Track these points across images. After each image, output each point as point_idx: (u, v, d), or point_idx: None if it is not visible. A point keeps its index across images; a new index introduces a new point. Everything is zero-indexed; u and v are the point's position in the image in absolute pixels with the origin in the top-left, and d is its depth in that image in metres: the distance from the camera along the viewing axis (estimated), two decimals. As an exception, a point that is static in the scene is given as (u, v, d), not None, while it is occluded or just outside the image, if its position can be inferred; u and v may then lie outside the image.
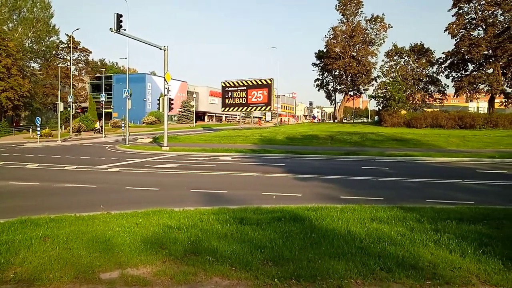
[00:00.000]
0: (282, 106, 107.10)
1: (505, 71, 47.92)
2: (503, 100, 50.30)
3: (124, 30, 23.17)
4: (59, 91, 43.23)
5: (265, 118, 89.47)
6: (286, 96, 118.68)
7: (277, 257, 4.94)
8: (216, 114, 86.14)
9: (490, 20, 47.75)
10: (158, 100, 27.91)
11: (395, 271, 4.43)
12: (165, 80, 26.22)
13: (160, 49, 26.48)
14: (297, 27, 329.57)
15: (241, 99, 49.59)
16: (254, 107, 50.17)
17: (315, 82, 67.19)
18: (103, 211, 8.14)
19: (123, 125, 40.24)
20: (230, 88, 50.61)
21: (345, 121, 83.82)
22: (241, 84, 49.97)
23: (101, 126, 50.17)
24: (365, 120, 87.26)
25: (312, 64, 66.80)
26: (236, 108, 50.85)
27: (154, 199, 10.19)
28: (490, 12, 47.98)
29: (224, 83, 51.31)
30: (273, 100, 52.47)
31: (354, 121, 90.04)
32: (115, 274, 4.60)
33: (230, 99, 50.60)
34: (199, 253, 5.16)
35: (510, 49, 44.85)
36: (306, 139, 30.92)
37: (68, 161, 19.96)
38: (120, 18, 22.53)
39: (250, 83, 49.54)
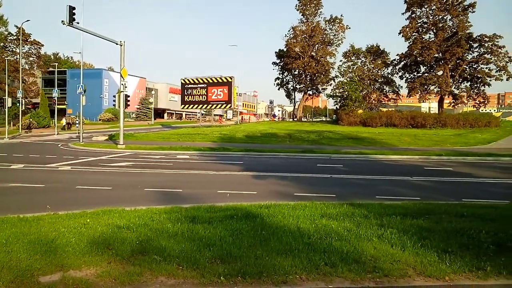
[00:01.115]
0: (243, 104, 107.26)
1: (453, 73, 50.52)
2: (452, 101, 53.07)
3: (78, 23, 22.34)
4: (6, 86, 40.93)
5: (226, 116, 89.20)
6: (247, 95, 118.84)
7: (226, 255, 4.96)
8: (176, 112, 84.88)
9: (440, 25, 50.17)
10: (114, 96, 27.13)
11: (338, 266, 4.57)
12: (121, 76, 25.52)
13: (117, 44, 25.72)
14: (259, 26, 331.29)
15: (201, 96, 49.19)
16: (215, 105, 49.93)
17: (275, 81, 67.93)
18: (50, 211, 7.82)
19: (77, 122, 38.72)
20: (190, 85, 50.05)
21: (305, 119, 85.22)
22: (201, 81, 49.55)
23: (68, 123, 48.10)
24: (324, 119, 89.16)
25: (272, 63, 67.47)
26: (196, 105, 50.40)
27: (106, 198, 9.91)
28: (440, 17, 50.40)
29: (183, 80, 50.67)
30: (234, 98, 52.46)
31: (313, 119, 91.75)
32: (56, 276, 4.44)
33: (190, 97, 50.05)
34: (147, 253, 5.08)
35: (457, 53, 47.33)
36: (266, 137, 31.18)
37: (16, 159, 18.97)
38: (73, 11, 21.67)
39: (211, 81, 49.24)
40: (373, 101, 61.16)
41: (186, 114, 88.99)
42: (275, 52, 66.72)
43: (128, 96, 26.75)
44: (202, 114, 67.08)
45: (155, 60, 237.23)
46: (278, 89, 68.39)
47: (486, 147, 25.85)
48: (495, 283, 4.27)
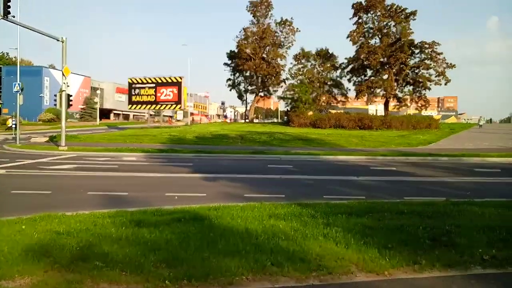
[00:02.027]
0: (194, 105, 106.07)
1: (397, 77, 53.18)
2: (396, 104, 55.84)
3: (13, 17, 20.96)
4: None
5: (176, 117, 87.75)
6: (199, 95, 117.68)
7: (172, 259, 4.85)
8: (123, 112, 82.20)
9: (385, 31, 52.67)
10: (56, 95, 25.78)
11: (284, 265, 4.61)
12: (63, 74, 24.31)
13: (58, 40, 24.44)
14: (210, 26, 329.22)
15: (149, 96, 47.95)
16: (164, 105, 48.94)
17: (227, 82, 67.80)
18: (-20, 218, 7.25)
19: (13, 122, 36.23)
20: (137, 85, 48.64)
21: (256, 121, 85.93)
22: (149, 81, 48.35)
23: (15, 124, 44.67)
24: (275, 121, 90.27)
25: (224, 64, 67.23)
26: (144, 106, 49.12)
27: (44, 203, 9.37)
28: (384, 23, 52.91)
29: (131, 79, 49.20)
30: (185, 98, 51.76)
31: (265, 121, 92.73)
32: (-15, 288, 4.11)
33: (138, 97, 48.63)
34: (88, 259, 4.84)
35: (401, 58, 49.90)
36: (217, 139, 31.00)
37: None
38: (8, 3, 20.25)
39: (160, 81, 48.19)
40: (323, 103, 62.81)
41: (134, 115, 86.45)
42: (227, 53, 66.64)
43: (71, 96, 25.58)
44: (151, 115, 65.44)
45: (101, 58, 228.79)
46: (230, 90, 68.43)
47: (427, 147, 27.40)
48: (429, 275, 4.51)
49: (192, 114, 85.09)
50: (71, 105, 25.94)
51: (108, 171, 15.26)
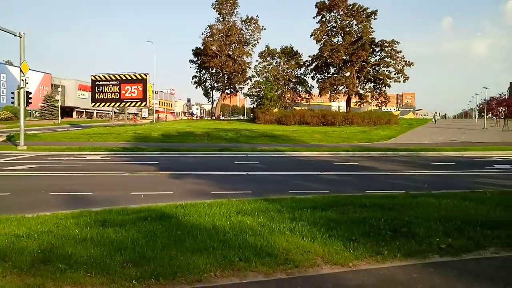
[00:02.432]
0: (160, 102, 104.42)
1: (359, 75, 54.54)
2: (358, 101, 57.28)
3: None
4: None
5: (141, 115, 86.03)
6: (164, 92, 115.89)
7: (138, 258, 4.80)
8: (86, 110, 79.77)
9: (347, 29, 53.81)
10: (13, 93, 24.63)
11: (252, 261, 4.68)
12: (21, 71, 23.25)
13: (15, 35, 23.35)
14: (176, 23, 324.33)
15: (113, 94, 46.74)
16: (129, 103, 47.90)
17: (193, 79, 67.14)
18: None
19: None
20: (101, 82, 47.31)
21: (223, 118, 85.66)
22: (113, 78, 47.11)
23: None
24: (241, 118, 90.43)
25: (189, 61, 66.51)
26: (108, 103, 47.85)
27: (2, 205, 8.99)
28: (347, 22, 54.05)
29: (94, 76, 47.79)
30: (150, 96, 50.89)
31: (231, 118, 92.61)
32: None
33: (101, 94, 47.31)
34: (50, 262, 4.71)
35: (362, 56, 51.19)
36: (183, 136, 30.70)
37: None
38: (-41, -4, 19.17)
39: (124, 78, 47.06)
40: (288, 100, 63.47)
41: (97, 113, 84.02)
42: (192, 50, 65.96)
43: (30, 93, 24.54)
44: (115, 113, 63.80)
45: (62, 55, 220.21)
46: (196, 87, 67.78)
47: (387, 142, 28.31)
48: (390, 265, 4.71)
49: (157, 111, 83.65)
50: (31, 103, 24.90)
51: (71, 171, 14.80)
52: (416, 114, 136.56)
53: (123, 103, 47.63)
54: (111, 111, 59.67)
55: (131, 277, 4.25)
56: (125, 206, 7.99)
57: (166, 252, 5.00)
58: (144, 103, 48.54)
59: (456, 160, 18.22)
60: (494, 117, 55.77)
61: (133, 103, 48.06)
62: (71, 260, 4.71)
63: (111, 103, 47.57)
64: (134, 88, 46.61)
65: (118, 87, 46.62)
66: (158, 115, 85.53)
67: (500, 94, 51.46)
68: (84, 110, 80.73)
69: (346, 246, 5.19)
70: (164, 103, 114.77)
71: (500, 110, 49.60)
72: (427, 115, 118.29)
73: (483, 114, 61.26)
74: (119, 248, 5.12)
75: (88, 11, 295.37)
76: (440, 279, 4.27)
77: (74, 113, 79.47)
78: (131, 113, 77.73)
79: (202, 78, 67.17)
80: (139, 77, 46.81)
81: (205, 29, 63.37)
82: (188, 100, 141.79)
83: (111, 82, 46.90)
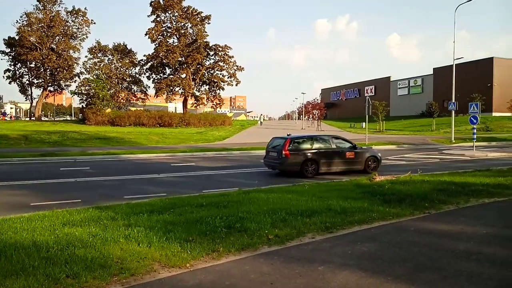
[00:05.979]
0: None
1: (194, 77, 55.80)
2: (194, 102, 58.59)
3: None
4: None
5: None
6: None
7: None
8: None
9: (182, 31, 54.45)
10: None
11: (82, 275, 4.27)
12: None
13: None
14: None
15: None
16: None
17: (5, 73, 57.67)
18: None
19: None
20: None
21: (45, 119, 76.43)
22: None
23: None
24: (69, 118, 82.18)
25: (0, 52, 56.83)
26: None
27: None
28: (182, 24, 54.63)
29: None
30: None
31: (56, 119, 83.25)
32: None
33: None
34: None
35: (197, 59, 52.55)
36: (-8, 140, 26.09)
37: None
38: None
39: None
40: (122, 100, 60.57)
41: None
42: (4, 40, 56.55)
43: None
44: None
45: None
46: (10, 83, 58.27)
47: (222, 143, 29.70)
48: (226, 260, 4.94)
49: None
50: None
51: None
52: (247, 115, 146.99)
53: None
54: None
55: None
56: None
57: (-32, 281, 4.15)
58: None
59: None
60: (310, 119, 64.26)
61: None
62: None
63: None
64: None
65: None
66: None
67: (314, 99, 59.87)
68: None
69: (183, 247, 5.22)
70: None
71: (315, 113, 57.68)
72: (257, 116, 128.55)
73: (301, 116, 69.76)
74: None
75: None
76: (268, 267, 4.68)
77: None
78: None
79: (18, 72, 58.36)
80: None
81: (21, 16, 55.30)
82: (0, 98, 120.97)
83: None
